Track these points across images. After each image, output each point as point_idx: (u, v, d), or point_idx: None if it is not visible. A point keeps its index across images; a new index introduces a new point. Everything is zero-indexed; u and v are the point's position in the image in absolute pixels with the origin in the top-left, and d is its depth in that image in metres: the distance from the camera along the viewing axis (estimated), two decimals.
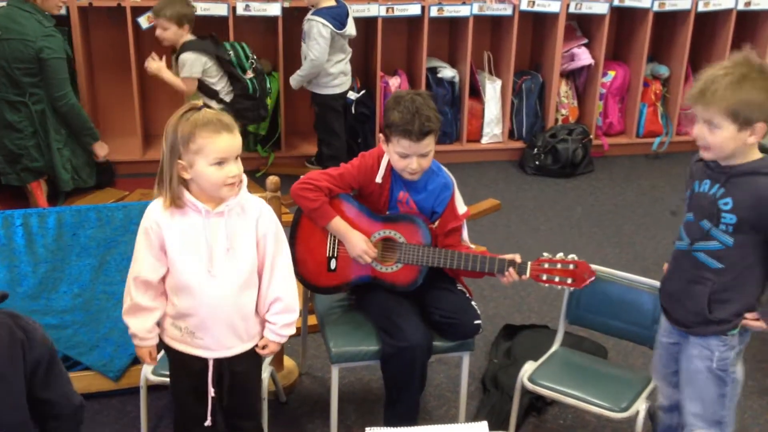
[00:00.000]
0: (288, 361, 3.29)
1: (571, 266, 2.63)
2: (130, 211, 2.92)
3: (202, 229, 2.24)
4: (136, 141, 5.41)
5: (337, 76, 4.89)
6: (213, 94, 4.46)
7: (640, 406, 2.62)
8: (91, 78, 5.40)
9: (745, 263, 2.29)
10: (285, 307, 2.38)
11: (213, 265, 2.25)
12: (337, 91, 4.94)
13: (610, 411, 2.61)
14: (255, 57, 4.80)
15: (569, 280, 2.62)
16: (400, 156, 2.63)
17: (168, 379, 2.71)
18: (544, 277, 2.63)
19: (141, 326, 2.35)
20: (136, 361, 3.00)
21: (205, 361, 2.36)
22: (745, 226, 2.24)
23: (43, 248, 2.86)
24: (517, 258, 2.65)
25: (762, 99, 2.14)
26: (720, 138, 2.19)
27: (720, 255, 2.30)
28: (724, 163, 2.27)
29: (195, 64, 4.36)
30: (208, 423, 2.43)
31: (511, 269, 2.63)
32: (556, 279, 2.63)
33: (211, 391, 2.39)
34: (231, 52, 4.66)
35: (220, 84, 4.50)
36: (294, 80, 4.93)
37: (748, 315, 2.33)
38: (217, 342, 2.34)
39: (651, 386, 2.71)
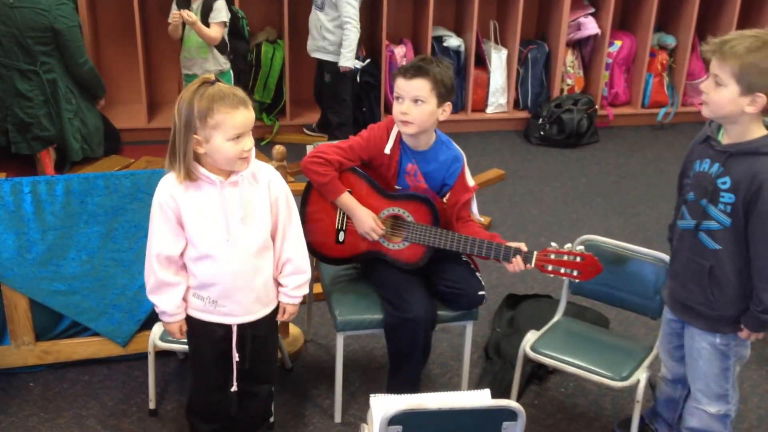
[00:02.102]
0: (293, 329, 3.32)
1: (578, 259, 2.58)
2: (137, 179, 2.93)
3: (218, 200, 2.26)
4: (141, 108, 5.41)
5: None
6: (224, 48, 4.47)
7: (641, 376, 2.65)
8: (96, 46, 5.40)
9: (741, 246, 2.27)
10: (295, 268, 2.44)
11: (230, 234, 2.28)
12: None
13: (611, 380, 2.64)
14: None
15: (575, 272, 2.59)
16: (396, 101, 2.65)
17: (176, 346, 2.77)
18: (550, 268, 2.60)
19: (170, 302, 2.35)
20: (144, 327, 3.05)
21: (228, 327, 2.41)
22: (741, 207, 2.22)
23: (52, 215, 2.88)
24: (523, 247, 2.63)
25: None
26: (720, 96, 2.19)
27: (718, 236, 2.29)
28: (724, 139, 2.27)
29: (227, 11, 4.41)
30: (234, 388, 2.49)
31: (517, 257, 2.61)
32: (562, 270, 2.59)
33: (236, 356, 2.44)
34: (239, 14, 4.69)
35: (227, 41, 4.54)
36: (347, 59, 4.80)
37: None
38: (240, 308, 2.38)
39: (652, 356, 2.74)
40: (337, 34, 4.82)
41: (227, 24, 4.42)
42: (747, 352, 2.44)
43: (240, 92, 2.21)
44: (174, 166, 2.23)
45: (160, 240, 2.30)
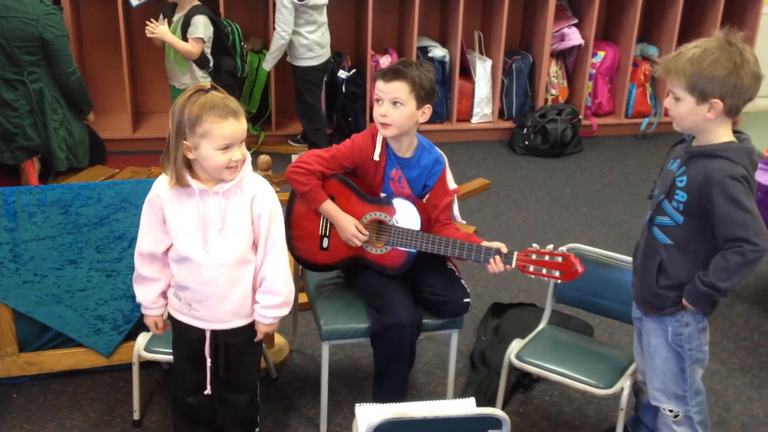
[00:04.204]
0: (279, 338, 3.32)
1: (559, 259, 2.57)
2: (122, 189, 2.93)
3: (196, 208, 2.28)
4: (126, 119, 5.40)
5: (311, 48, 4.88)
6: (205, 64, 4.41)
7: (625, 383, 2.66)
8: (81, 56, 5.38)
9: (692, 244, 2.32)
10: (268, 287, 2.39)
11: (207, 243, 2.30)
12: (314, 63, 4.94)
13: (595, 388, 2.65)
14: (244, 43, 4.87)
15: (557, 273, 2.58)
16: (376, 102, 2.69)
17: (160, 357, 2.77)
18: (531, 269, 2.60)
19: (145, 296, 2.45)
20: (128, 337, 3.04)
21: (201, 331, 2.43)
22: (693, 207, 2.27)
23: (36, 225, 2.87)
24: (503, 248, 2.64)
25: (719, 74, 2.16)
26: (680, 110, 2.24)
27: (670, 231, 2.34)
28: (695, 143, 2.31)
29: (207, 26, 4.35)
30: (207, 391, 2.50)
31: (497, 257, 2.63)
32: (543, 271, 2.59)
33: (208, 361, 2.45)
34: (229, 29, 4.67)
35: (209, 56, 4.48)
36: (267, 63, 4.97)
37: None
38: (212, 314, 2.40)
39: (635, 364, 2.75)
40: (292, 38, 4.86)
41: (206, 40, 4.34)
42: (703, 356, 2.47)
43: (232, 102, 2.21)
44: (167, 170, 2.27)
45: (144, 236, 2.38)
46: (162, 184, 2.32)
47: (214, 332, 2.43)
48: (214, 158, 2.20)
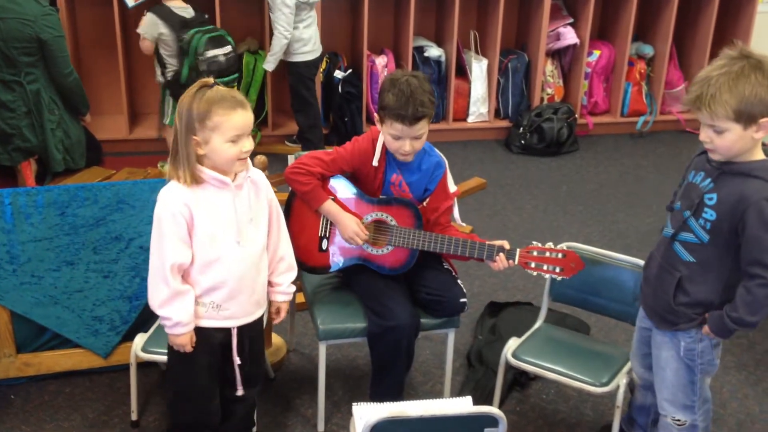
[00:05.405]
0: (276, 338, 3.33)
1: (560, 255, 2.63)
2: (119, 190, 2.93)
3: (231, 201, 2.30)
4: (122, 119, 5.40)
5: (307, 42, 4.91)
6: (161, 63, 4.52)
7: (621, 381, 2.67)
8: (77, 57, 5.38)
9: (715, 263, 2.28)
10: (289, 265, 2.55)
11: (241, 236, 2.33)
12: (309, 58, 4.97)
13: (591, 386, 2.66)
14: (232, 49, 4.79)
15: (557, 269, 2.63)
16: (394, 138, 2.65)
17: (158, 357, 2.76)
18: (533, 265, 2.64)
19: (186, 311, 2.32)
20: (126, 338, 3.04)
21: (227, 332, 2.43)
22: (723, 226, 2.22)
23: (32, 227, 2.88)
24: (506, 245, 2.67)
25: (761, 94, 2.09)
26: (728, 140, 2.16)
27: (694, 249, 2.30)
28: (725, 160, 2.24)
29: (150, 26, 4.44)
30: (239, 393, 2.52)
31: (501, 254, 2.65)
32: (545, 267, 2.64)
33: (237, 360, 2.46)
34: (187, 38, 4.56)
35: (172, 59, 4.53)
36: (268, 64, 4.97)
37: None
38: (241, 309, 2.42)
39: (630, 364, 2.76)
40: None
41: (149, 39, 4.45)
42: (713, 368, 2.46)
43: (238, 94, 2.25)
44: (178, 171, 2.25)
45: (174, 250, 2.27)
46: (180, 193, 2.26)
47: (239, 329, 2.44)
48: (226, 150, 2.22)
